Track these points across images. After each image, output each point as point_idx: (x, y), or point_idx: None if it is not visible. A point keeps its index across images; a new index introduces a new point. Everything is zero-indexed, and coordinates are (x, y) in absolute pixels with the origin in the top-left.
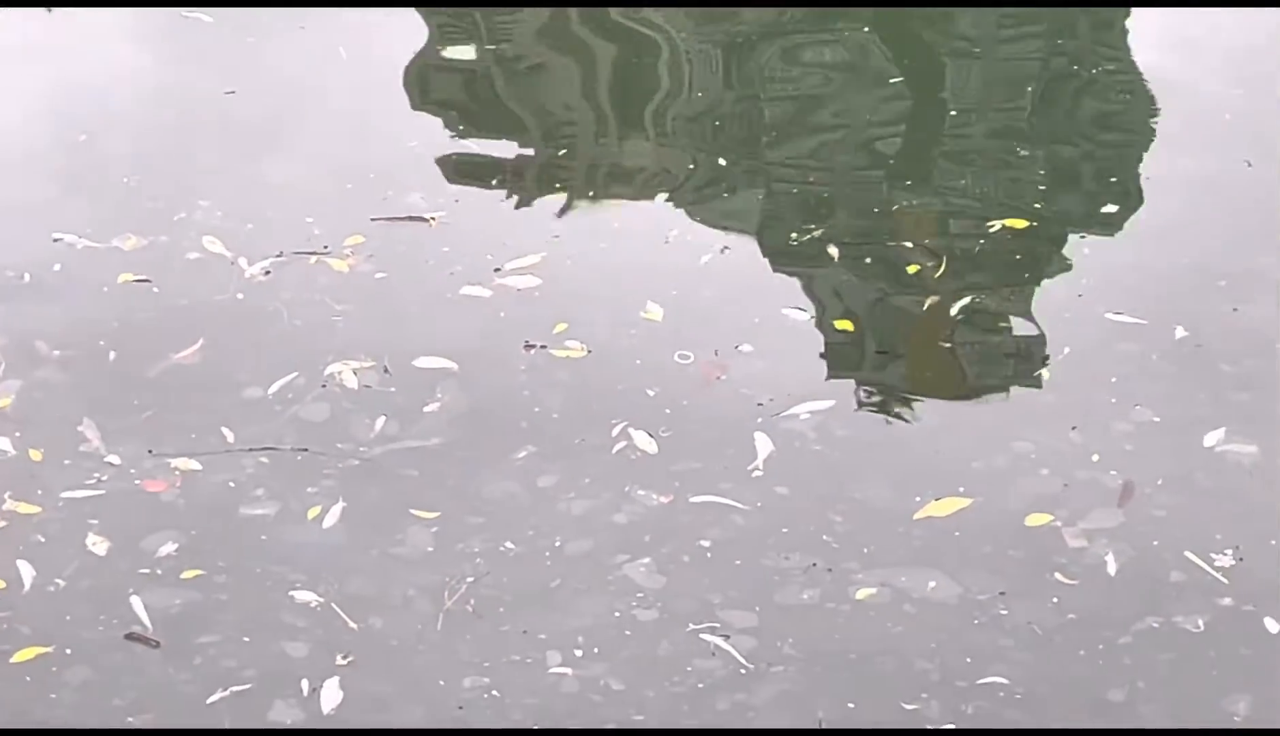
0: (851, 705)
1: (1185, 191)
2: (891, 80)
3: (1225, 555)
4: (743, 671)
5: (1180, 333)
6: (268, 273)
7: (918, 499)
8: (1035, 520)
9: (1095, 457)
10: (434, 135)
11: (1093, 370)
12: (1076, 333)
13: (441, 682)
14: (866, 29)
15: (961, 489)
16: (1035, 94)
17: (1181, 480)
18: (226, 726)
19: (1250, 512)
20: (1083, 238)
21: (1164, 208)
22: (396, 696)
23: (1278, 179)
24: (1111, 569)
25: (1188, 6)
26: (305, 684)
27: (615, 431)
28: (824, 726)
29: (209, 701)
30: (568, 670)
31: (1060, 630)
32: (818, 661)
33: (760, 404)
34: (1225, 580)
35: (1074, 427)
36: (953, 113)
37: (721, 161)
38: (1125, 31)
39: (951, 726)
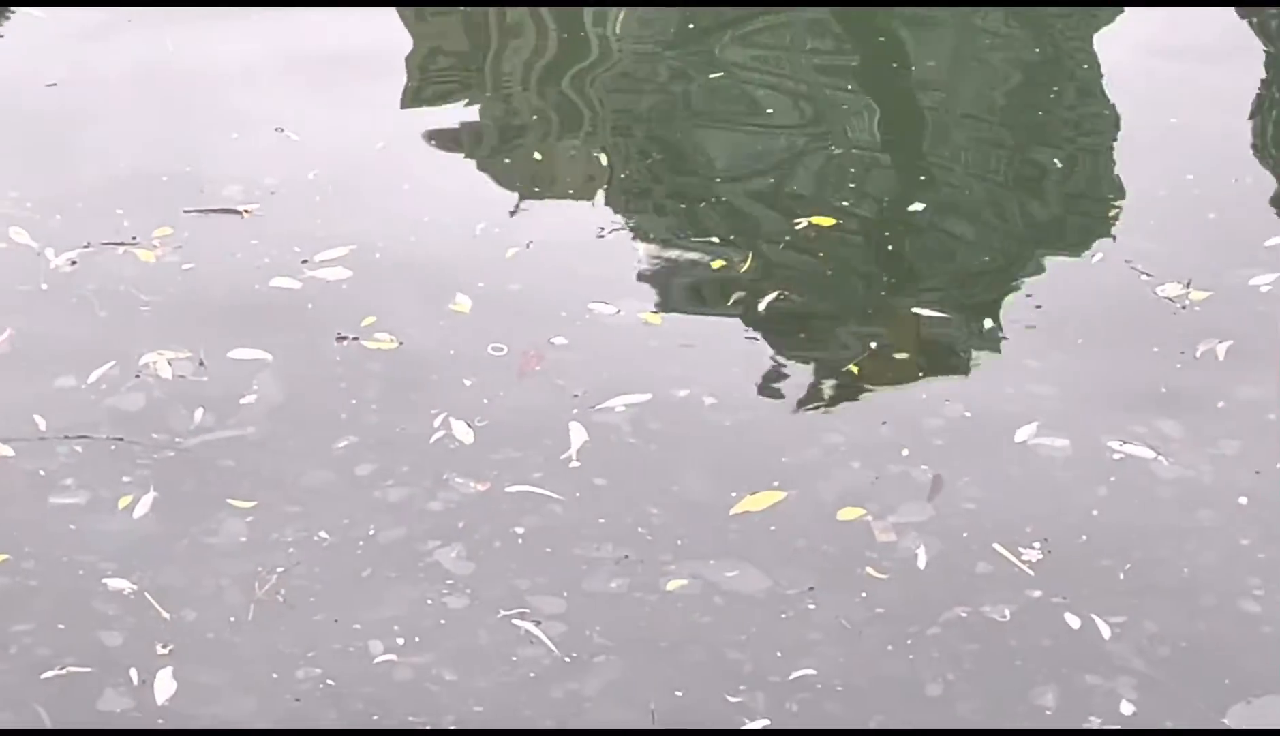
0: (679, 693)
1: (988, 187)
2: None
3: (1033, 548)
4: (567, 660)
5: (988, 324)
6: (74, 263)
7: (734, 494)
8: (847, 514)
9: (905, 452)
10: (256, 128)
11: (901, 364)
12: (884, 327)
13: (275, 675)
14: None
15: (776, 483)
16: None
17: (992, 474)
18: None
19: (1060, 507)
20: (887, 234)
21: (970, 202)
22: (228, 687)
23: (1053, 165)
24: (921, 562)
25: None
26: (134, 673)
27: (433, 421)
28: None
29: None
30: (393, 657)
31: (869, 623)
32: (630, 650)
33: (576, 396)
34: (1031, 572)
35: (884, 422)
36: (769, 111)
37: (537, 155)
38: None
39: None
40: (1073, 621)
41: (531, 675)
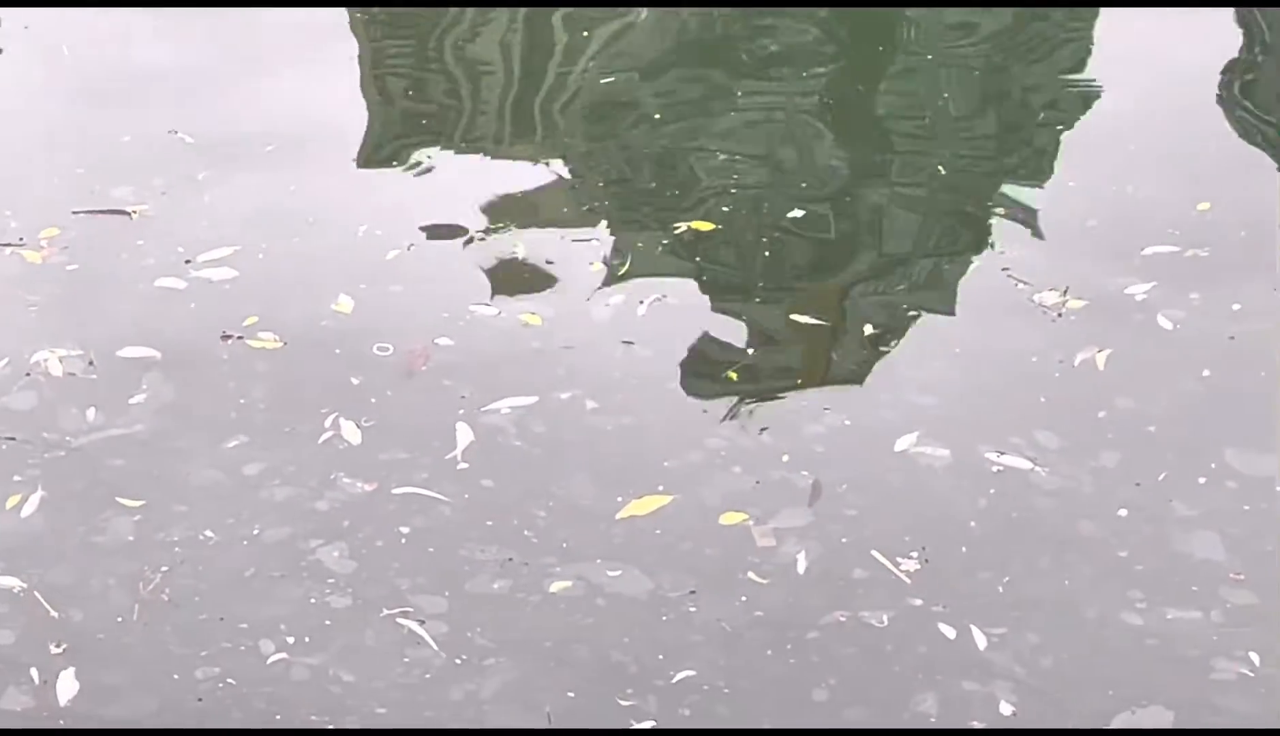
0: (571, 694)
1: (872, 195)
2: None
3: (911, 558)
4: (458, 662)
5: (868, 331)
6: None
7: (619, 498)
8: (729, 519)
9: (785, 458)
10: (149, 131)
11: (781, 371)
12: (759, 332)
13: (175, 676)
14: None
15: (660, 487)
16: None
17: (872, 482)
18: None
19: (940, 516)
20: (765, 240)
21: (852, 210)
22: (130, 686)
23: (938, 173)
24: (801, 567)
25: None
26: (35, 673)
27: (323, 421)
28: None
29: None
30: (285, 656)
31: (749, 627)
32: (514, 651)
33: (463, 397)
34: (908, 580)
35: (764, 429)
36: (656, 116)
37: (426, 157)
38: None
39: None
40: (950, 630)
41: (427, 676)
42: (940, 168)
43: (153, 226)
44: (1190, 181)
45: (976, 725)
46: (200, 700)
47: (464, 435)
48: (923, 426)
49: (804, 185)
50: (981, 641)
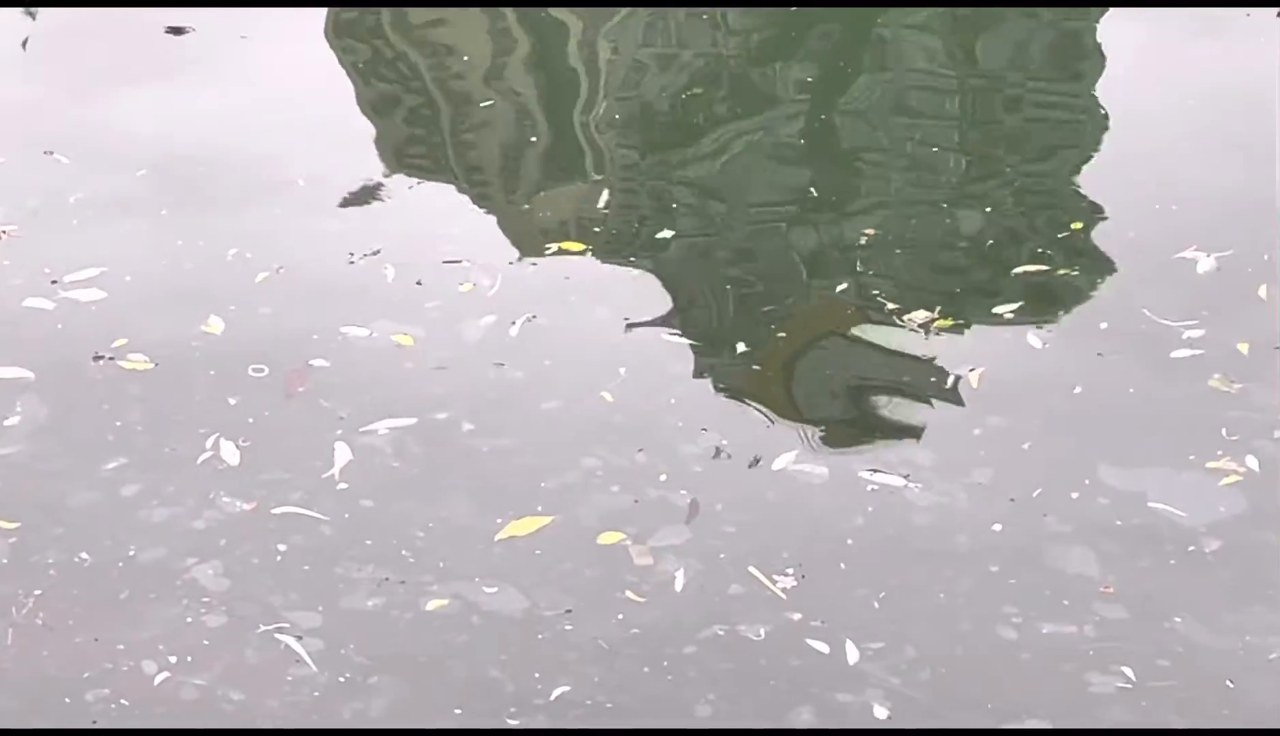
0: (459, 711)
1: (750, 217)
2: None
3: (787, 575)
4: (342, 680)
5: (740, 349)
6: None
7: (499, 519)
8: (608, 538)
9: (663, 477)
10: (20, 151)
11: (652, 390)
12: (634, 353)
13: (66, 700)
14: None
15: (540, 507)
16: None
17: (751, 500)
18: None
19: (817, 533)
20: (632, 260)
21: (728, 232)
22: (23, 710)
23: (810, 196)
24: (679, 584)
25: None
26: None
27: (202, 442)
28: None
29: None
30: (167, 675)
31: (626, 644)
32: (390, 667)
33: (341, 418)
34: (784, 596)
35: (640, 449)
36: (533, 139)
37: (300, 181)
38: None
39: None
40: (828, 644)
41: (316, 694)
42: (813, 189)
43: (21, 246)
44: (1066, 201)
45: None
46: (95, 721)
47: (342, 455)
48: (799, 445)
49: (675, 206)
50: (858, 655)
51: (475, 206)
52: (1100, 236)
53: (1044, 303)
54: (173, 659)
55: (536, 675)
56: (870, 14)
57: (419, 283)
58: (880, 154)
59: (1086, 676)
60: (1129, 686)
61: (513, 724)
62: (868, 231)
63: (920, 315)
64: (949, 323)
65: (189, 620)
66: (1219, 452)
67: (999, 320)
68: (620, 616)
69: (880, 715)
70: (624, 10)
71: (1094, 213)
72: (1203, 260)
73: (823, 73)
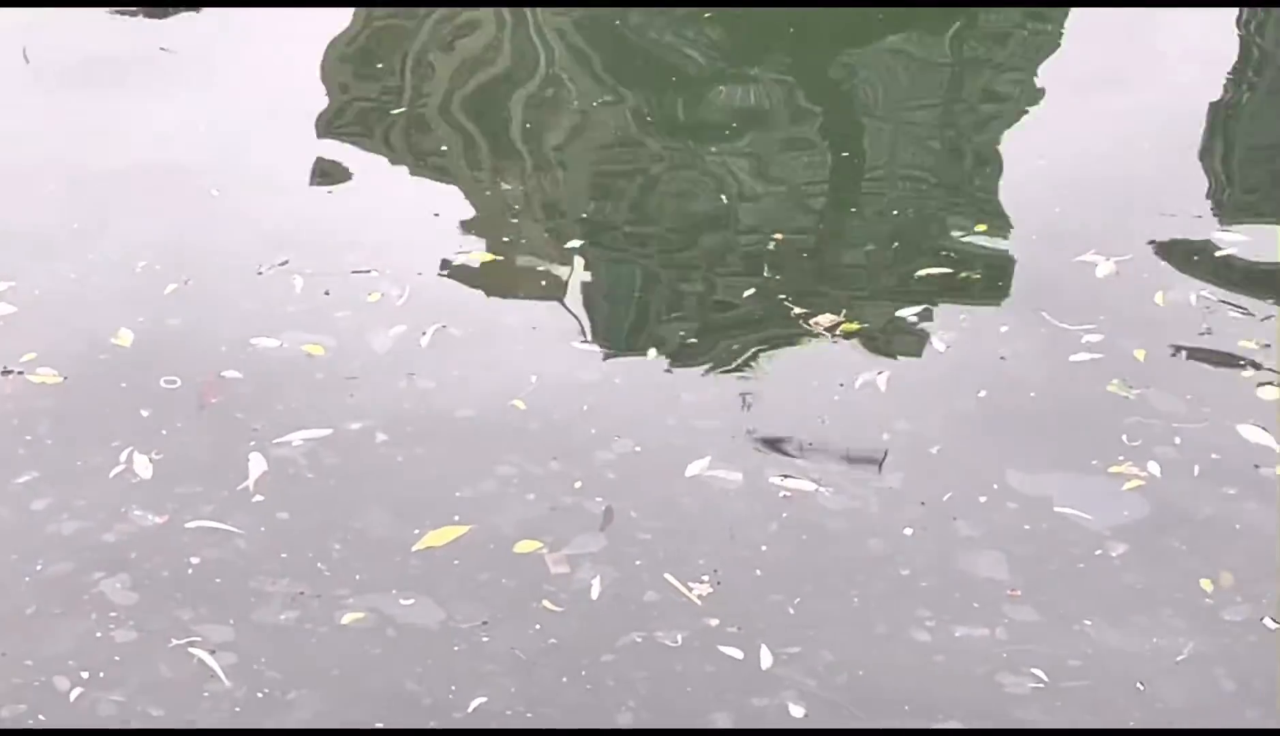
0: (380, 724)
1: (653, 225)
2: None
3: (703, 582)
4: (260, 695)
5: (653, 354)
6: None
7: (416, 530)
8: (524, 546)
9: (578, 485)
10: None
11: (564, 398)
12: (545, 362)
13: None
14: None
15: (457, 517)
16: None
17: (666, 507)
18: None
19: (732, 539)
20: (542, 270)
21: (626, 242)
22: None
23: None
24: (595, 592)
25: None
26: None
27: (114, 455)
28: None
29: None
30: (83, 691)
31: (543, 654)
32: (306, 681)
33: (255, 429)
34: (699, 602)
35: (555, 457)
36: (443, 148)
37: (214, 192)
38: None
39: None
40: (744, 650)
41: (237, 710)
42: (723, 197)
43: None
44: (969, 204)
45: None
46: None
47: (257, 467)
48: (712, 451)
49: (584, 216)
50: (773, 659)
51: (385, 215)
52: (1002, 239)
53: (948, 305)
54: (84, 674)
55: (453, 687)
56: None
57: (327, 293)
58: (789, 158)
59: (1000, 677)
60: (1041, 687)
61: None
62: (776, 236)
63: (826, 319)
64: (855, 326)
65: (98, 635)
66: (1120, 457)
67: (903, 323)
68: (537, 626)
69: (797, 714)
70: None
71: (997, 215)
72: (1102, 264)
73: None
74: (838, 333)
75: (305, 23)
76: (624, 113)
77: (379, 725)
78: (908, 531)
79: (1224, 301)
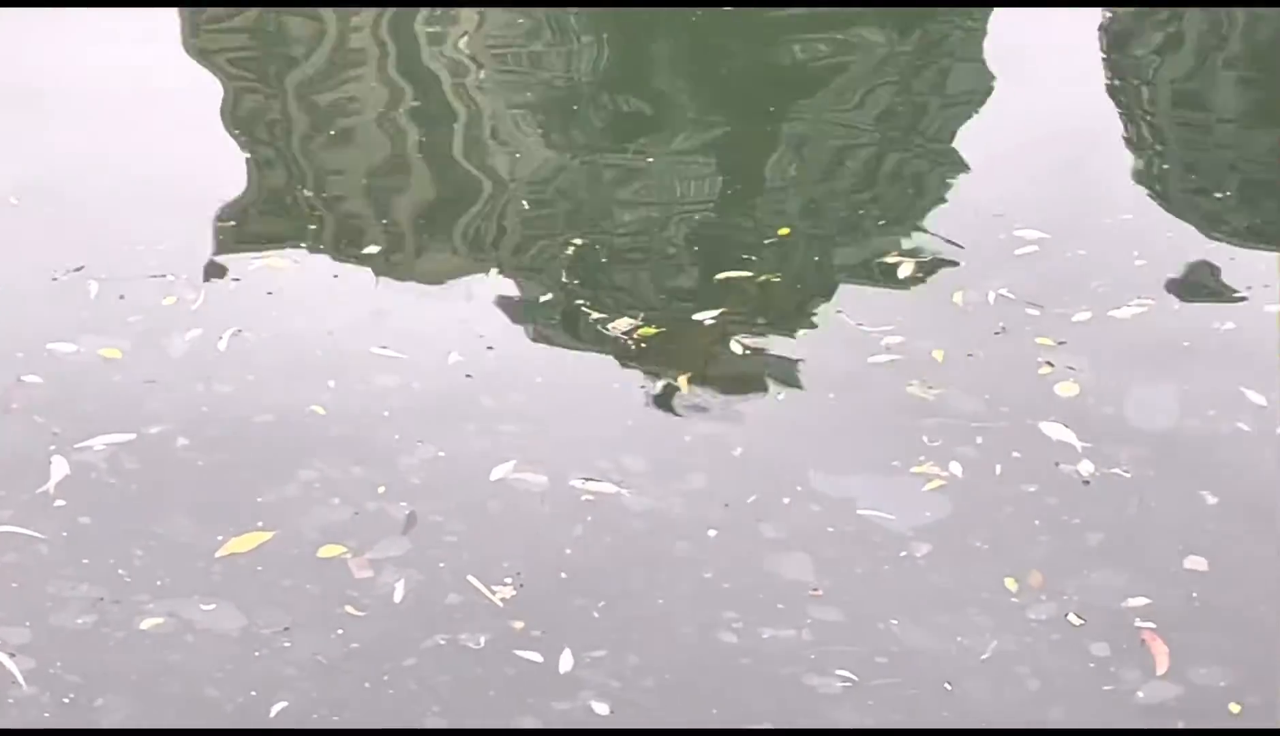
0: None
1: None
2: None
3: (506, 584)
4: (66, 701)
5: (454, 358)
6: None
7: (220, 536)
8: (328, 551)
9: (381, 489)
10: None
11: (364, 403)
12: (342, 367)
13: None
14: None
15: (260, 522)
16: None
17: (470, 510)
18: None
19: (537, 542)
20: (336, 276)
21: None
22: None
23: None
24: (398, 596)
25: None
26: None
27: None
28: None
29: None
30: None
31: (346, 659)
32: (105, 686)
33: (56, 433)
34: (501, 604)
35: (358, 462)
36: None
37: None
38: None
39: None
40: (547, 653)
41: (47, 715)
42: (524, 203)
43: None
44: (771, 208)
45: None
46: None
47: (58, 471)
48: (516, 455)
49: (384, 221)
50: (577, 662)
51: (180, 221)
52: (805, 241)
53: (747, 308)
54: None
55: (253, 692)
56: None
57: (122, 297)
58: (582, 161)
59: (809, 678)
60: (851, 685)
61: None
62: (575, 241)
63: (624, 322)
64: (653, 330)
65: None
66: (922, 458)
67: (702, 326)
68: (340, 631)
69: (601, 710)
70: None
71: (800, 217)
72: (904, 265)
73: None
74: (636, 337)
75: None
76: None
77: (183, 727)
78: (712, 533)
79: (1021, 300)
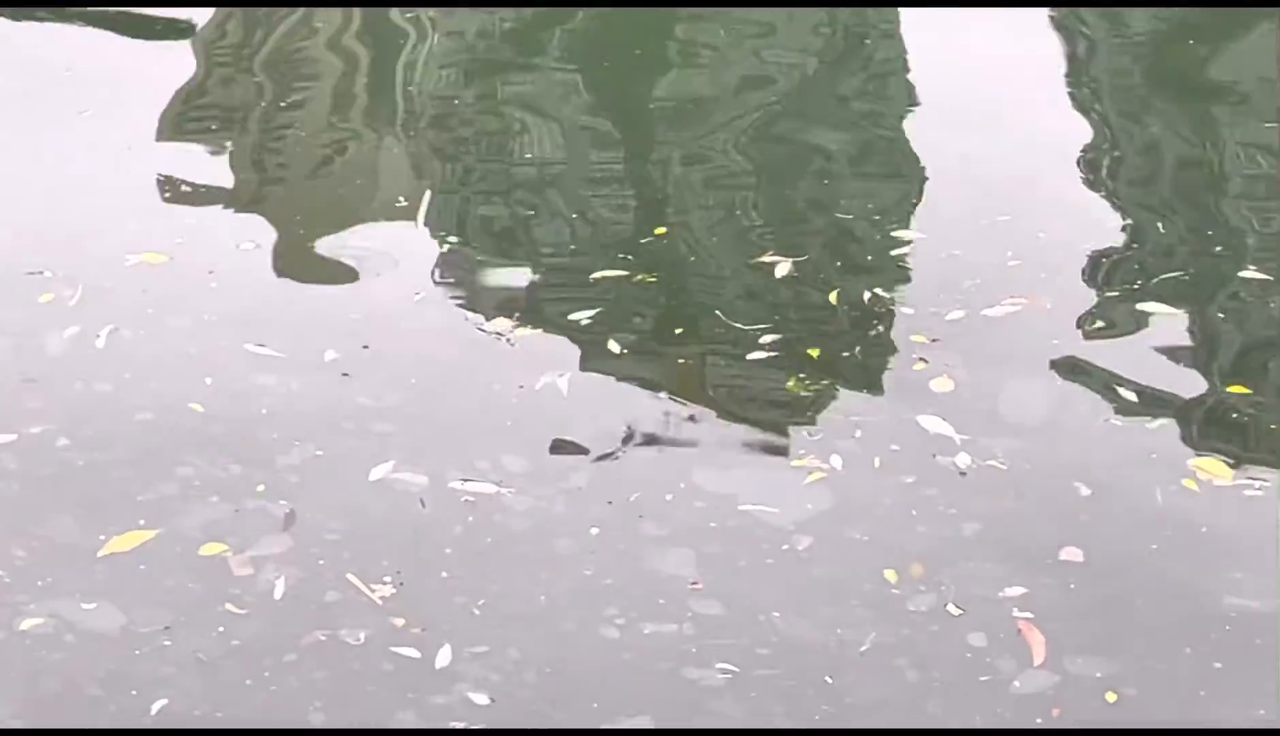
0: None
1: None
2: None
3: (385, 583)
4: None
5: (330, 356)
6: None
7: (101, 536)
8: (210, 549)
9: (260, 487)
10: None
11: (243, 401)
12: (219, 365)
13: None
14: None
15: (142, 521)
16: None
17: (350, 509)
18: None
19: (417, 540)
20: (211, 272)
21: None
22: None
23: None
24: (278, 593)
25: None
26: None
27: None
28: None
29: None
30: None
31: (226, 656)
32: None
33: None
34: (380, 602)
35: (236, 462)
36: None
37: None
38: None
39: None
40: (426, 649)
41: None
42: (402, 198)
43: None
44: (651, 207)
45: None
46: None
47: None
48: (396, 454)
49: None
50: (458, 657)
51: (56, 215)
52: (682, 241)
53: (622, 309)
54: None
55: (134, 691)
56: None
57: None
58: (451, 152)
59: (691, 671)
60: (732, 678)
61: None
62: (451, 240)
63: (501, 323)
64: (530, 329)
65: None
66: (803, 452)
67: (578, 326)
68: (221, 629)
69: (480, 703)
70: None
71: (677, 215)
72: (781, 264)
73: None
74: (512, 336)
75: None
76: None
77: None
78: (595, 531)
79: (895, 298)
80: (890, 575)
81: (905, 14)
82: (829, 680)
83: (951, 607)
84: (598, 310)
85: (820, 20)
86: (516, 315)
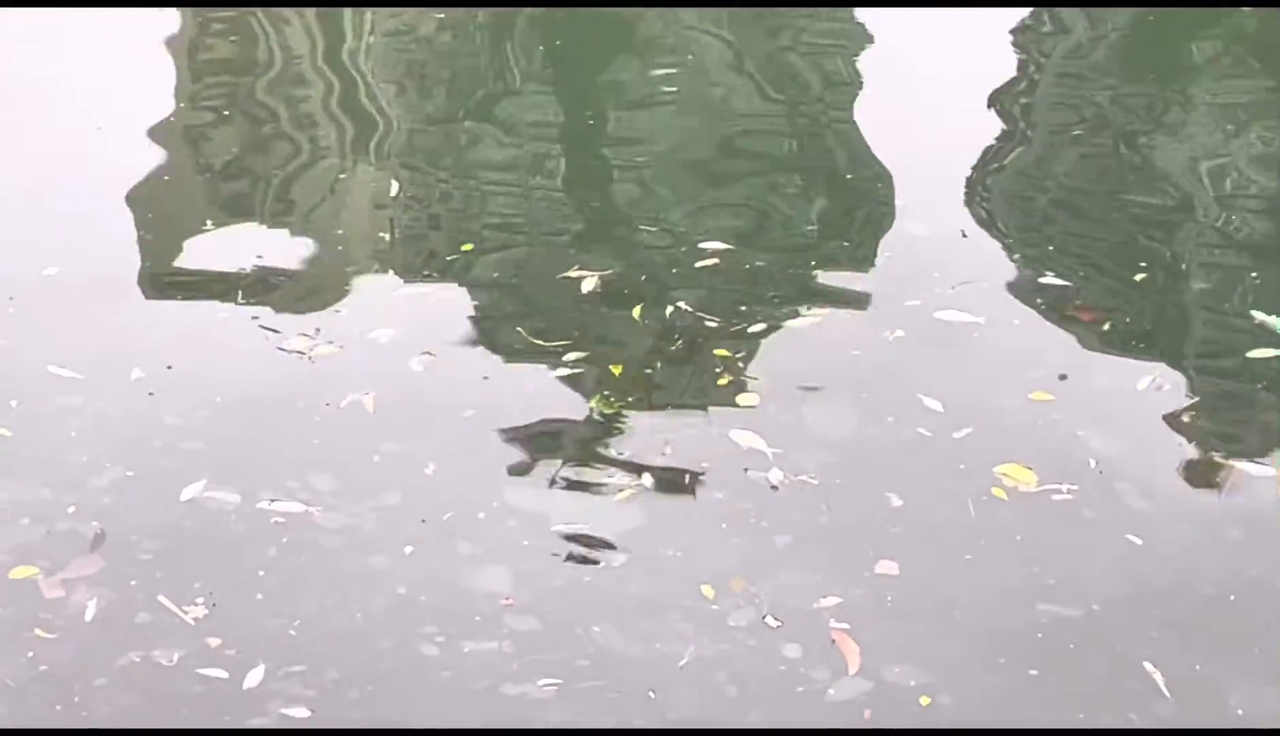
0: None
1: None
2: None
3: (198, 604)
4: None
5: (136, 375)
6: None
7: None
8: (20, 572)
9: (72, 509)
10: None
11: (49, 424)
12: (23, 387)
13: None
14: None
15: None
16: None
17: (164, 529)
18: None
19: (231, 560)
20: (11, 299)
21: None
22: None
23: None
24: (90, 615)
25: None
26: None
27: None
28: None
29: None
30: None
31: (34, 682)
32: None
33: None
34: (193, 623)
35: (46, 484)
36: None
37: None
38: None
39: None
40: (241, 670)
41: None
42: (208, 222)
43: None
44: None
45: None
46: None
47: None
48: (206, 474)
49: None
50: (274, 676)
51: None
52: (491, 257)
53: (425, 325)
54: None
55: None
56: None
57: None
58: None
59: (512, 687)
60: (558, 691)
61: None
62: (257, 257)
63: (301, 342)
64: (330, 348)
65: None
66: (613, 470)
67: (378, 344)
68: (30, 654)
69: (300, 714)
70: None
71: (486, 229)
72: (588, 280)
73: None
74: (313, 355)
75: None
76: None
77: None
78: (409, 549)
79: (699, 312)
80: (707, 591)
81: None
82: (652, 695)
83: (770, 620)
84: (400, 327)
85: None
86: (316, 330)
